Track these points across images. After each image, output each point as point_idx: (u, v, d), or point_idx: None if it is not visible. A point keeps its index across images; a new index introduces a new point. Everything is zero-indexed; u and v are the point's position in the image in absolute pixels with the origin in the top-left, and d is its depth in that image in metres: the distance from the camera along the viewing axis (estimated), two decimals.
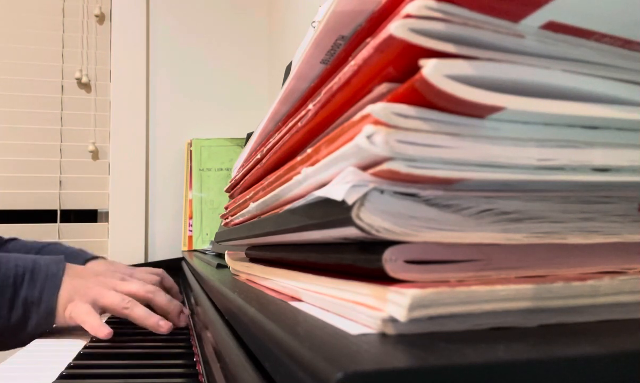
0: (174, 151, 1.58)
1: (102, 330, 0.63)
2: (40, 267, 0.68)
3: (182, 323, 0.70)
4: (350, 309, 0.21)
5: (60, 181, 1.48)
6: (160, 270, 0.93)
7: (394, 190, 0.18)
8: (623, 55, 0.20)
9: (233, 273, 0.52)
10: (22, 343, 0.66)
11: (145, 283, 0.72)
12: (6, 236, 1.02)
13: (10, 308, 0.65)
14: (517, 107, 0.18)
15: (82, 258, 0.91)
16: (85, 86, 1.53)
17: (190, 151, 1.50)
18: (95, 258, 0.94)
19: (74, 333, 0.68)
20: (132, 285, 0.70)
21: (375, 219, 0.18)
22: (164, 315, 0.69)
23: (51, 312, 0.66)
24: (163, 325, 0.66)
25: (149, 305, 0.69)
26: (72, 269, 0.70)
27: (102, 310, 0.67)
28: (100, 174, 1.52)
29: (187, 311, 0.74)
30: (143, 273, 0.88)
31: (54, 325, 0.68)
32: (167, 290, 0.90)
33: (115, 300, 0.66)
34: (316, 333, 0.19)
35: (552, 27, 0.18)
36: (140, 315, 0.66)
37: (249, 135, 1.30)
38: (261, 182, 0.36)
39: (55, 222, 1.46)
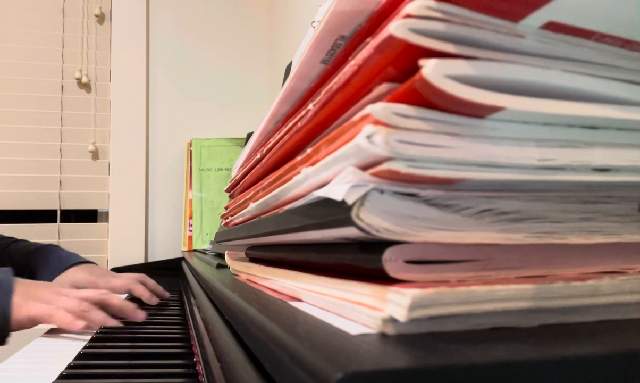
0: (174, 151, 1.58)
1: (76, 323, 0.64)
2: None
3: (140, 316, 0.73)
4: (350, 309, 0.21)
5: (60, 181, 1.48)
6: (141, 275, 0.97)
7: (394, 190, 0.18)
8: (623, 55, 0.20)
9: (233, 273, 0.52)
10: None
11: (95, 290, 0.74)
12: (8, 236, 1.04)
13: None
14: (517, 107, 0.18)
15: (73, 260, 0.94)
16: (85, 86, 1.53)
17: (190, 151, 1.50)
18: (84, 262, 0.97)
19: (74, 333, 0.68)
20: (86, 291, 0.72)
21: (375, 219, 0.18)
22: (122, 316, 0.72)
23: (5, 315, 0.65)
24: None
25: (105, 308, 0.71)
26: (22, 280, 0.71)
27: None
28: (100, 174, 1.52)
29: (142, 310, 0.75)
30: (124, 278, 0.93)
31: (9, 333, 0.67)
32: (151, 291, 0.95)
33: (72, 304, 0.67)
34: (316, 333, 0.19)
35: (552, 27, 0.18)
36: (100, 320, 0.67)
37: (249, 135, 1.30)
38: (261, 182, 0.36)
39: (55, 222, 1.46)
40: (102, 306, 0.71)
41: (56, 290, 0.70)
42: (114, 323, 0.68)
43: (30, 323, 0.66)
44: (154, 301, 0.91)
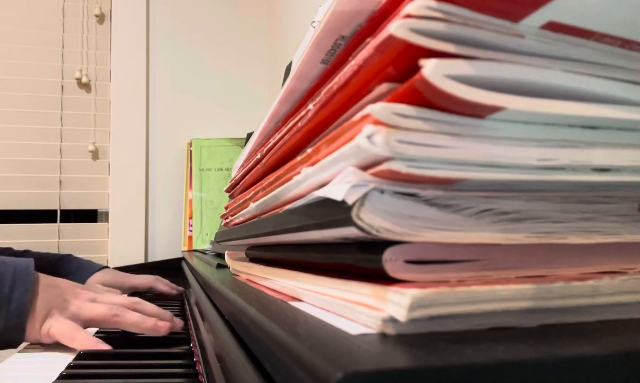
0: (174, 151, 1.58)
1: (100, 345, 0.57)
2: (7, 265, 0.59)
3: (178, 325, 0.66)
4: (350, 309, 0.21)
5: (60, 181, 1.48)
6: (157, 277, 1.05)
7: (394, 190, 0.18)
8: (623, 55, 0.20)
9: (233, 273, 0.52)
10: None
11: (126, 296, 0.67)
12: (9, 239, 1.05)
13: None
14: (517, 107, 0.18)
15: (97, 266, 0.99)
16: (85, 86, 1.53)
17: (190, 151, 1.50)
18: (105, 268, 1.02)
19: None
20: (115, 297, 0.65)
21: (375, 219, 0.18)
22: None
23: (22, 314, 0.57)
24: (162, 325, 0.62)
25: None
26: (45, 277, 0.63)
27: (85, 324, 0.62)
28: (100, 174, 1.52)
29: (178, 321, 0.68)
30: (145, 277, 1.00)
31: (25, 341, 0.60)
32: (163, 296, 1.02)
33: (102, 310, 0.61)
34: (316, 333, 0.19)
35: (552, 27, 0.18)
36: (135, 320, 0.61)
37: (249, 135, 1.30)
38: (261, 182, 0.36)
39: (55, 222, 1.46)
40: (135, 310, 0.64)
41: (84, 294, 0.63)
42: (150, 323, 0.61)
43: (50, 340, 0.59)
44: (175, 292, 1.03)
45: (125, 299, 0.65)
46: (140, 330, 0.61)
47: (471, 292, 0.18)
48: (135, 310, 0.63)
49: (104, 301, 0.63)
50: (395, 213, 0.18)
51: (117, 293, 0.81)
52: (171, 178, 1.57)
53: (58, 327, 0.58)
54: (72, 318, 0.60)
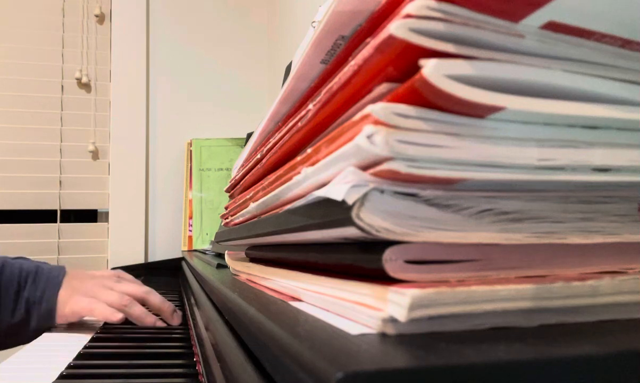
0: (174, 151, 1.58)
1: (115, 315, 0.66)
2: (43, 271, 0.73)
3: (176, 321, 0.74)
4: (350, 309, 0.21)
5: (60, 181, 1.48)
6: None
7: (394, 190, 0.18)
8: (623, 55, 0.20)
9: (233, 273, 0.52)
10: (23, 341, 0.71)
11: (140, 284, 0.76)
12: (9, 239, 1.04)
13: (14, 307, 0.70)
14: (517, 107, 0.18)
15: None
16: (85, 86, 1.53)
17: (190, 151, 1.50)
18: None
19: (75, 332, 0.68)
20: (129, 286, 0.74)
21: (375, 219, 0.18)
22: (158, 314, 0.73)
23: (51, 311, 0.70)
24: (159, 325, 0.71)
25: (144, 305, 0.73)
26: (72, 273, 0.75)
27: None
28: (100, 174, 1.52)
29: (179, 312, 0.77)
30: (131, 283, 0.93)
31: (55, 325, 0.71)
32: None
33: (114, 298, 0.69)
34: (316, 333, 0.19)
35: (552, 27, 0.18)
36: (139, 314, 0.70)
37: (249, 135, 1.30)
38: (261, 182, 0.36)
39: (55, 222, 1.46)
40: (142, 302, 0.72)
41: (101, 282, 0.73)
42: (151, 319, 0.70)
43: (75, 316, 0.69)
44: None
45: (136, 288, 0.73)
46: (140, 324, 0.70)
47: (471, 292, 0.18)
48: (143, 301, 0.72)
49: (117, 290, 0.72)
50: (395, 213, 0.18)
51: (133, 281, 0.85)
52: (171, 178, 1.57)
53: (79, 303, 0.69)
54: (91, 298, 0.70)
